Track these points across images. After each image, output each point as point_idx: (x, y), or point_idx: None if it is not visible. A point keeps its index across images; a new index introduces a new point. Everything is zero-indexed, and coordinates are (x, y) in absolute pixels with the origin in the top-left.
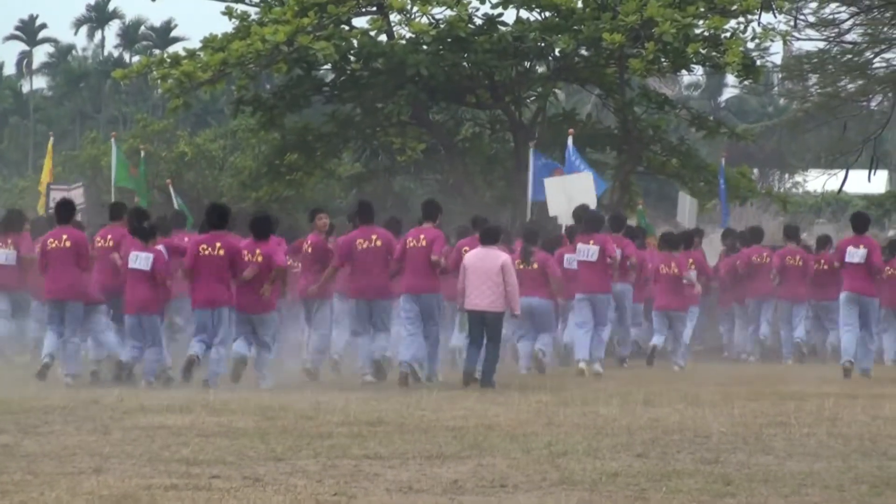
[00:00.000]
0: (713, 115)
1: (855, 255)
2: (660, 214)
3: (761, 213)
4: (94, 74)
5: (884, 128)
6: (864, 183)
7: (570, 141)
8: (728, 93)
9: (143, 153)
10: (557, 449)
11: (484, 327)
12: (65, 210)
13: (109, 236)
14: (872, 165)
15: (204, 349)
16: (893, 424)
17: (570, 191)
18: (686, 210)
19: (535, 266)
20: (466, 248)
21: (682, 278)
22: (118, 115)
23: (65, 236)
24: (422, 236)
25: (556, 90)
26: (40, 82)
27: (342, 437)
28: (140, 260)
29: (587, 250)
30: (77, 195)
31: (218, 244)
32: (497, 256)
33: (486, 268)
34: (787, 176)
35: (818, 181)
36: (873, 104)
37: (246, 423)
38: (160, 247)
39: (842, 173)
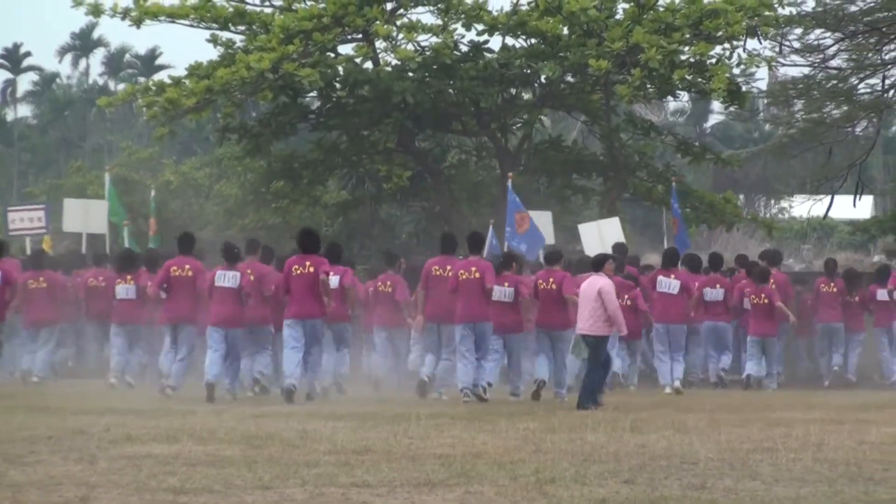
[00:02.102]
0: (698, 141)
1: None
2: (646, 241)
3: (747, 238)
4: (78, 102)
5: (868, 153)
6: (850, 208)
7: (509, 184)
8: (713, 119)
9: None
10: (545, 476)
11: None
12: (186, 240)
13: (187, 266)
14: (857, 191)
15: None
16: (879, 449)
17: (602, 234)
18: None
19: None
20: (541, 280)
21: (775, 308)
22: (103, 143)
23: (187, 266)
24: (473, 268)
25: (542, 117)
26: (25, 111)
27: (329, 466)
28: (227, 278)
29: (669, 283)
30: (37, 217)
31: (308, 263)
32: (596, 282)
33: (587, 293)
34: (772, 201)
35: (803, 207)
36: (858, 130)
37: (233, 452)
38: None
39: (827, 199)
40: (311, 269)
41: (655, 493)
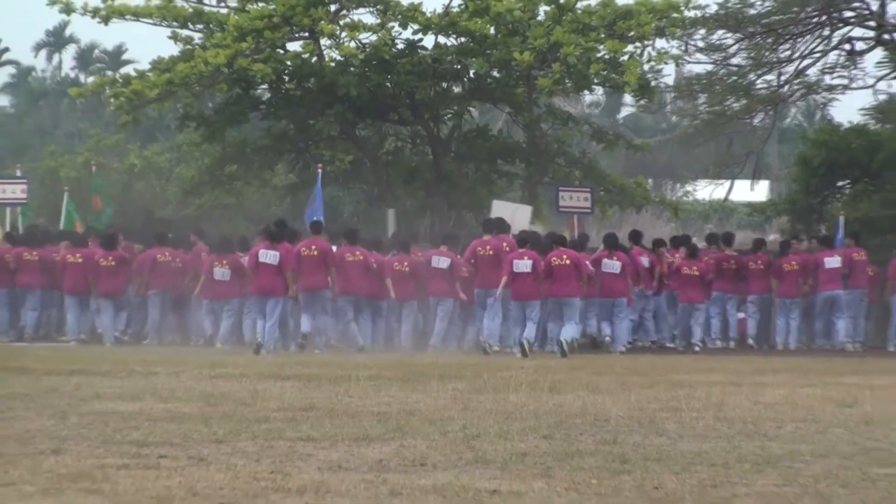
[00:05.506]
0: (612, 131)
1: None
2: (564, 222)
3: (655, 219)
4: (52, 94)
5: (765, 142)
6: (748, 192)
7: (319, 171)
8: (625, 111)
9: (93, 168)
10: (472, 432)
11: None
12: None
13: (314, 246)
14: (755, 176)
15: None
16: (773, 409)
17: (515, 217)
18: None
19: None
20: (555, 258)
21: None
22: (74, 130)
23: (314, 246)
24: (488, 247)
25: (471, 108)
26: (3, 101)
27: (278, 422)
28: (269, 256)
29: (612, 264)
30: (20, 189)
31: (314, 246)
32: None
33: None
34: (678, 185)
35: (706, 190)
36: (756, 121)
37: (190, 409)
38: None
39: (727, 183)
40: (315, 253)
41: (571, 448)
